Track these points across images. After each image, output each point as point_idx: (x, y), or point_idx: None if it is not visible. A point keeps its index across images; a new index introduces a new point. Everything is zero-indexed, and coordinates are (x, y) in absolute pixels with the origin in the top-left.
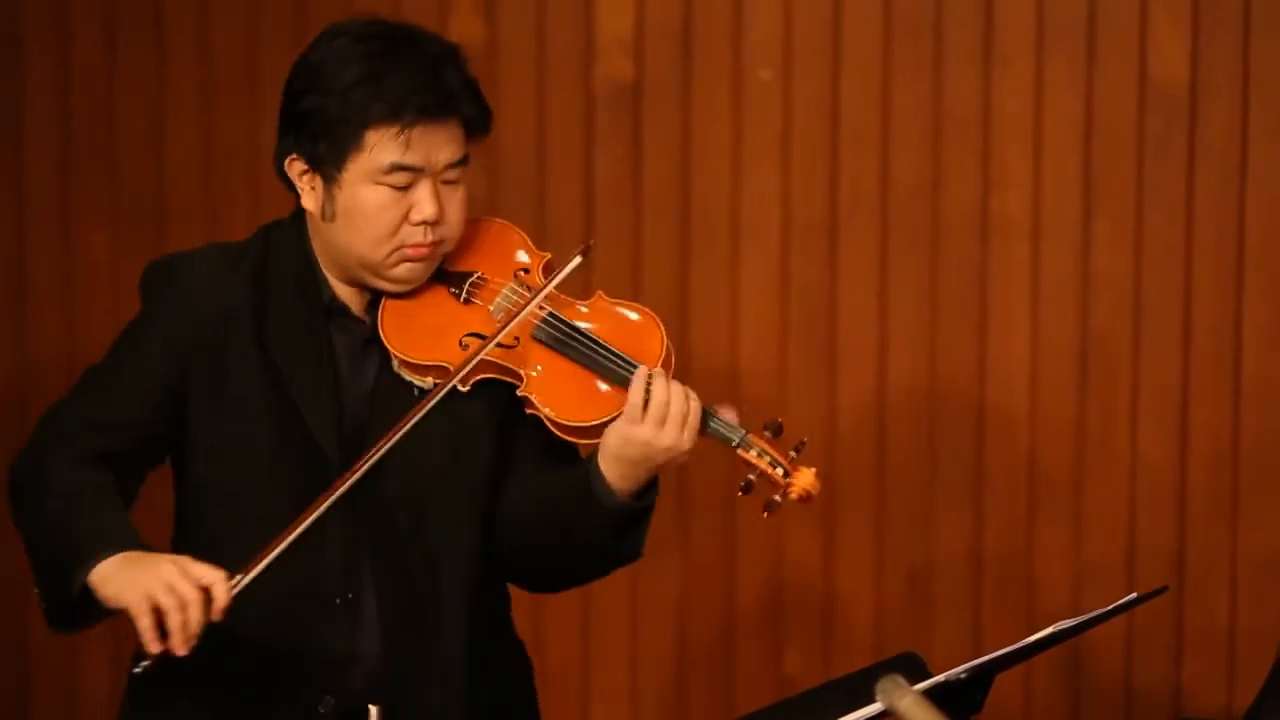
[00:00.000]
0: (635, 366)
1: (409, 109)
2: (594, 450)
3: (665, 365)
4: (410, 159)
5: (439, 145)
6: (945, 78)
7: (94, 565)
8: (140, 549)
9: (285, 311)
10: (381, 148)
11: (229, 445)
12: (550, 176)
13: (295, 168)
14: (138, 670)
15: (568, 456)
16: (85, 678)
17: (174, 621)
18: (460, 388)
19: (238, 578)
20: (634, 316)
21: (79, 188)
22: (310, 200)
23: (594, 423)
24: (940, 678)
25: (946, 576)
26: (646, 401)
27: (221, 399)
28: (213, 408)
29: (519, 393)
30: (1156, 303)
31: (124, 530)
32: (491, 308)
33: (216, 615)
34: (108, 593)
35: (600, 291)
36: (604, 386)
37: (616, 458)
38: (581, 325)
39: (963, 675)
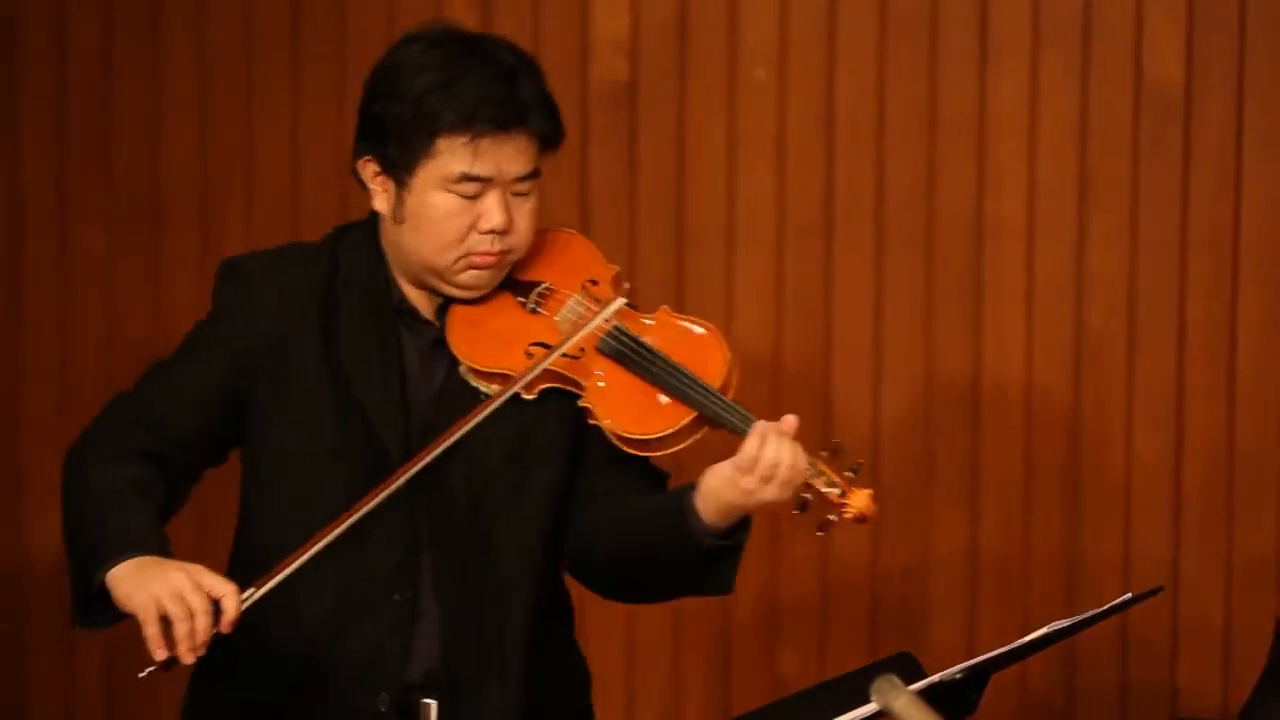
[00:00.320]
0: (698, 382)
1: (479, 119)
2: (686, 487)
3: (728, 381)
4: (479, 169)
5: (509, 157)
6: (940, 77)
7: (112, 565)
8: (160, 554)
9: (353, 312)
10: (451, 156)
11: (292, 445)
12: (546, 175)
13: (369, 169)
14: (141, 676)
15: (637, 465)
16: (81, 677)
17: (180, 631)
18: (524, 395)
19: (250, 591)
20: (698, 331)
21: (75, 187)
22: (382, 202)
23: (655, 436)
24: (935, 678)
25: (942, 576)
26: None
27: (286, 399)
28: (277, 407)
29: (580, 403)
30: (1152, 302)
31: (148, 533)
32: (557, 318)
33: (225, 628)
34: (119, 595)
35: (665, 306)
36: (665, 400)
37: (717, 500)
38: (646, 340)
39: (958, 675)
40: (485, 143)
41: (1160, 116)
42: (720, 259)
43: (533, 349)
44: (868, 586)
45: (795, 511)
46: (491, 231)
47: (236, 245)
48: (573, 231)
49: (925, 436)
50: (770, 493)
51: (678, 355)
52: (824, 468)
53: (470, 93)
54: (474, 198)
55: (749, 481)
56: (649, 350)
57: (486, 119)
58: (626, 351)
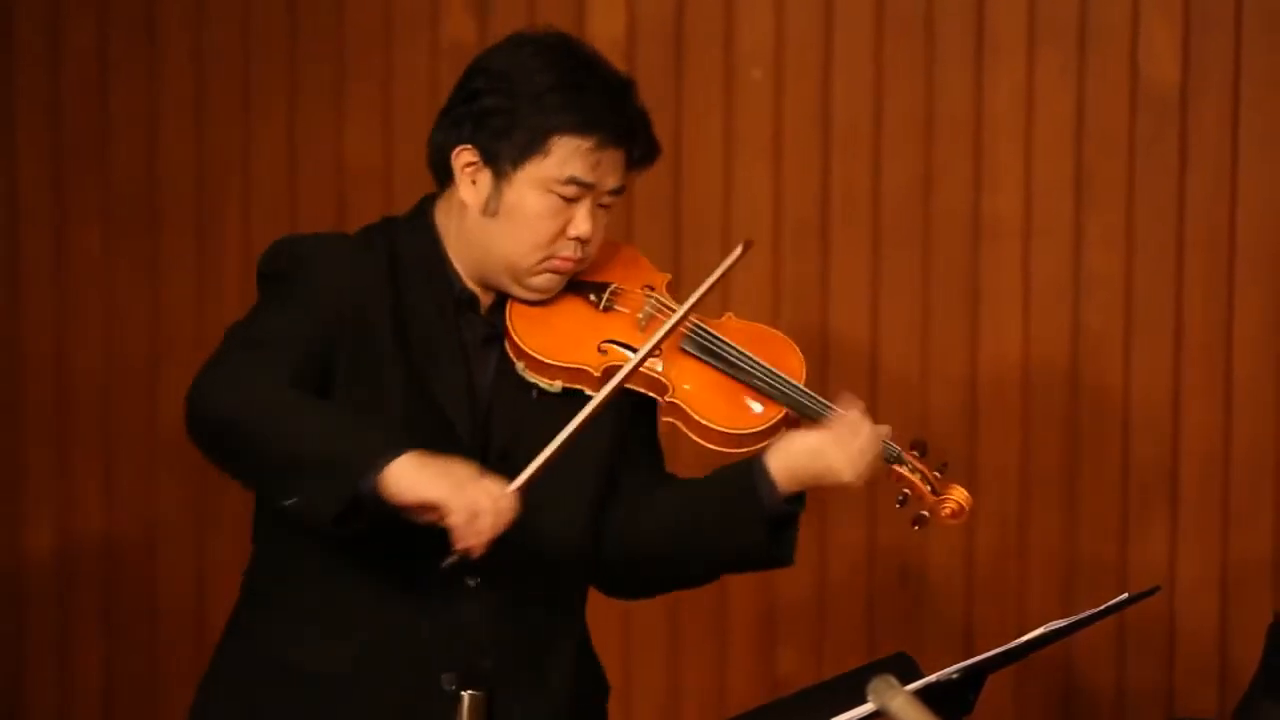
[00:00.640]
0: (786, 380)
1: (602, 128)
2: (752, 458)
3: (805, 380)
4: (589, 176)
5: (612, 169)
6: (936, 78)
7: (386, 463)
8: (424, 450)
9: (419, 298)
10: (566, 158)
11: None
12: None
13: (463, 158)
14: (445, 565)
15: (658, 465)
16: (78, 677)
17: (483, 524)
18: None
19: (517, 481)
20: (771, 332)
21: (72, 187)
22: (470, 193)
23: (749, 430)
24: (932, 678)
25: (938, 576)
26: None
27: (358, 376)
28: (349, 381)
29: (666, 399)
30: (1148, 302)
31: (396, 429)
32: (639, 315)
33: (501, 527)
34: (404, 487)
35: (729, 313)
36: (752, 397)
37: (795, 470)
38: (728, 338)
39: (954, 676)
40: (604, 153)
41: (1156, 117)
42: (717, 259)
43: (606, 345)
44: (865, 587)
45: (898, 505)
46: (578, 239)
47: (234, 245)
48: (623, 241)
49: (921, 436)
50: (851, 474)
51: (759, 352)
52: (918, 464)
53: (593, 101)
54: (571, 200)
55: (838, 458)
56: (735, 348)
57: (608, 128)
58: (713, 349)
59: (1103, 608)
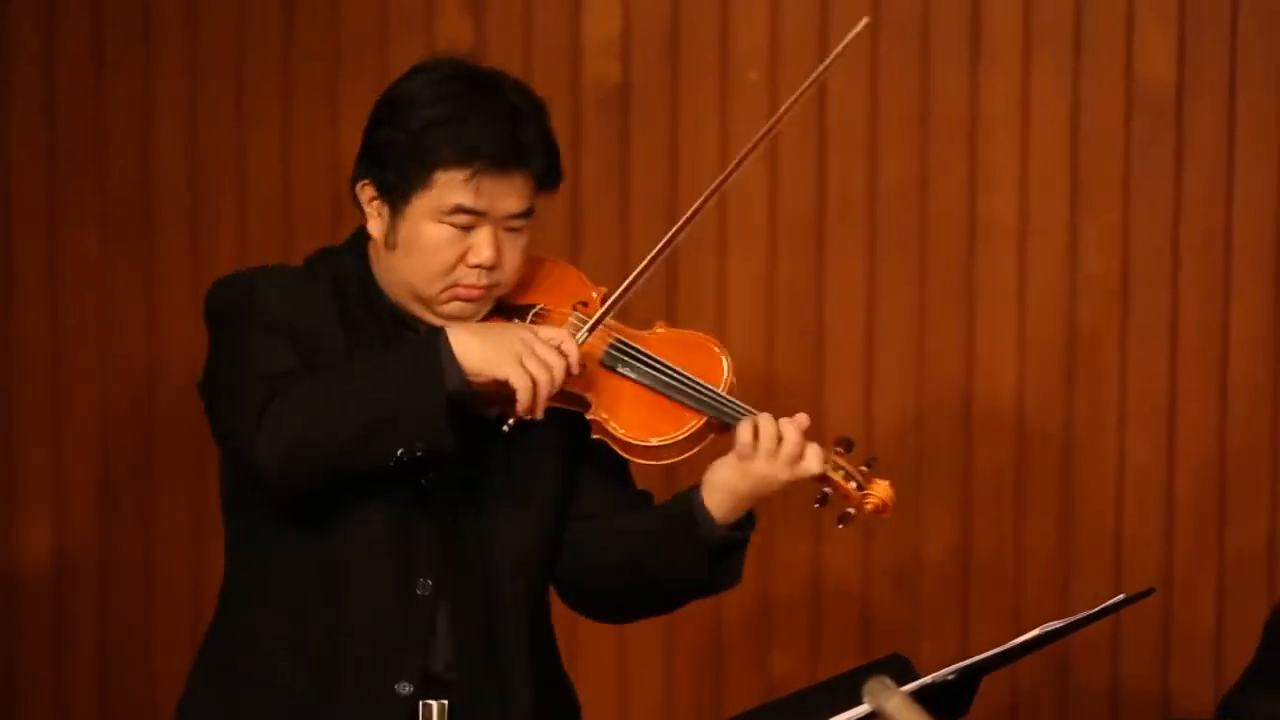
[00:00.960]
0: (703, 386)
1: (479, 157)
2: (690, 489)
3: (731, 383)
4: (475, 204)
5: (504, 195)
6: (932, 79)
7: (448, 354)
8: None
9: (363, 323)
10: (448, 189)
11: None
12: None
13: (365, 192)
14: (506, 428)
15: (625, 483)
16: (73, 677)
17: (543, 390)
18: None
19: (581, 332)
20: (695, 338)
21: (66, 189)
22: (375, 226)
23: (668, 441)
24: (927, 679)
25: (934, 578)
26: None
27: None
28: None
29: (588, 415)
30: (1144, 303)
31: (419, 336)
32: None
33: (574, 369)
34: (478, 364)
35: (660, 322)
36: (674, 406)
37: (727, 492)
38: (647, 349)
39: (950, 677)
40: (483, 180)
41: (1152, 118)
42: (712, 260)
43: None
44: (860, 588)
45: (816, 505)
46: (479, 266)
47: (229, 246)
48: (561, 260)
49: (917, 437)
50: (781, 471)
51: (680, 362)
52: (841, 461)
53: (472, 131)
54: (466, 229)
55: (759, 464)
56: (652, 358)
57: (486, 157)
58: (631, 361)
59: (1098, 609)
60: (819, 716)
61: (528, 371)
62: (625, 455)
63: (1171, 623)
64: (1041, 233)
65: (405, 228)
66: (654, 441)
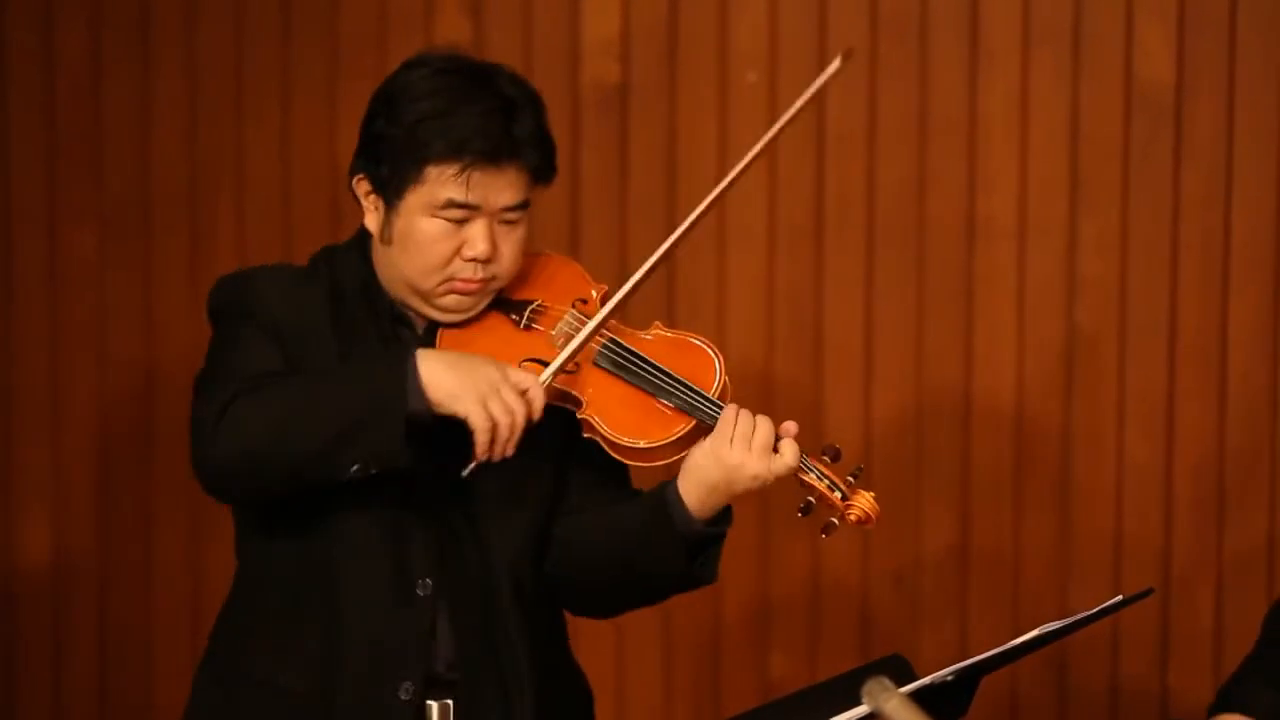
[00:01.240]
0: (693, 390)
1: (470, 151)
2: (668, 480)
3: (723, 388)
4: (467, 198)
5: (498, 188)
6: (931, 80)
7: (415, 376)
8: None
9: (357, 322)
10: (440, 184)
11: None
12: None
13: (361, 187)
14: (465, 474)
15: (620, 483)
16: (72, 678)
17: (502, 434)
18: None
19: (544, 374)
20: (692, 342)
21: (65, 188)
22: (372, 221)
23: (655, 444)
24: (926, 680)
25: (933, 578)
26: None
27: None
28: None
29: (580, 414)
30: (1142, 304)
31: (391, 352)
32: (553, 332)
33: (536, 416)
34: (439, 396)
35: (658, 322)
36: (664, 409)
37: (699, 482)
38: (641, 351)
39: (949, 678)
40: (475, 174)
41: (1151, 119)
42: (711, 262)
43: (527, 364)
44: (859, 589)
45: (799, 514)
46: (475, 259)
47: (228, 246)
48: (563, 255)
49: (916, 438)
50: (755, 462)
51: (673, 365)
52: (826, 470)
53: (464, 124)
54: (461, 223)
55: (734, 452)
56: (645, 360)
57: (477, 151)
58: (623, 363)
59: (1097, 609)
60: (818, 717)
61: (489, 413)
62: (616, 456)
63: (1170, 622)
64: (1040, 233)
65: (400, 222)
66: (643, 443)
